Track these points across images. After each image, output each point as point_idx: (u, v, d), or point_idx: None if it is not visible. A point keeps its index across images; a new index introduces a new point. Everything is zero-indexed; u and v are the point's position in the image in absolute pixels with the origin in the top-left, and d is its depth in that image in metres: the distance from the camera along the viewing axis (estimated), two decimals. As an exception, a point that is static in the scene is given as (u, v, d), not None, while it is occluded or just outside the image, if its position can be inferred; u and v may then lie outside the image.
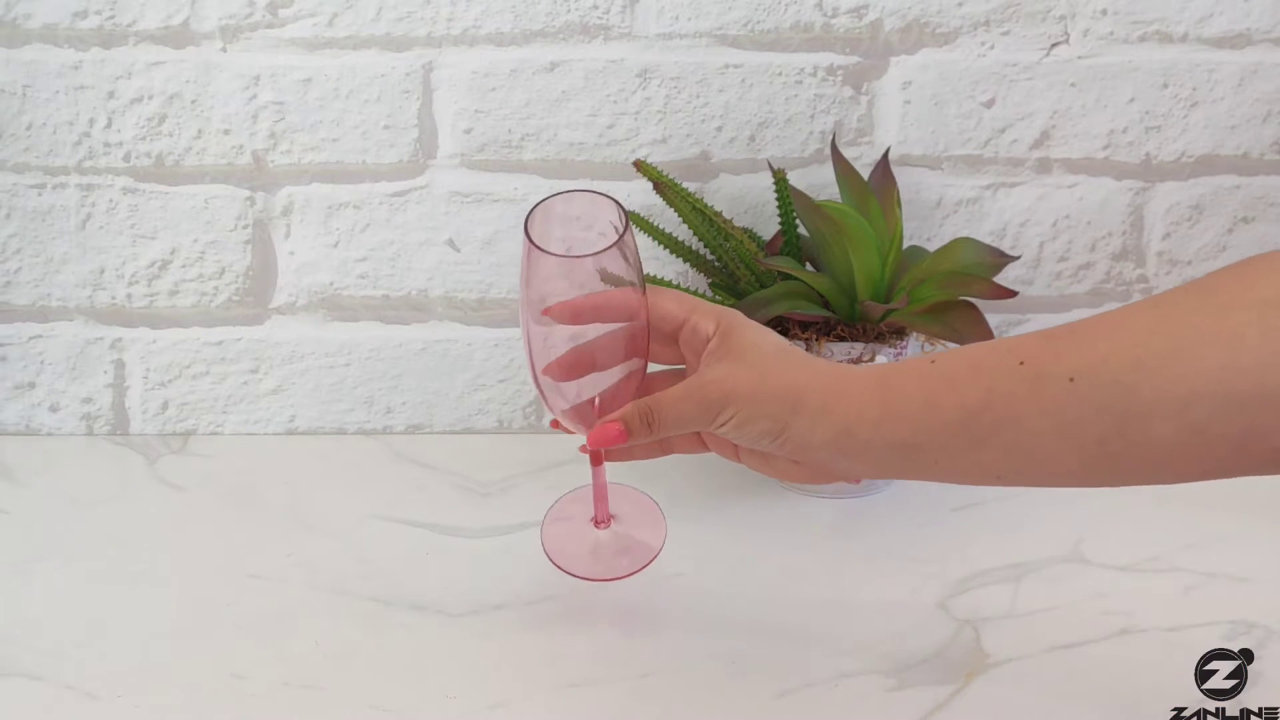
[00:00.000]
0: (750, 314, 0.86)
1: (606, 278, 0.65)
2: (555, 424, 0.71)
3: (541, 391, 0.68)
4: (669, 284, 0.92)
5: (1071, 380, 0.55)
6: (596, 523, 0.73)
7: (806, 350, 0.87)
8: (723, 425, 0.63)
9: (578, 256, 0.64)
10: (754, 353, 0.64)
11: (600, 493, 0.72)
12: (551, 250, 0.64)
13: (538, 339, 0.66)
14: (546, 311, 0.65)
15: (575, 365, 0.66)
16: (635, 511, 0.74)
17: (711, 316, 0.66)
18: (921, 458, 0.59)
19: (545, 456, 0.98)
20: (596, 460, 0.71)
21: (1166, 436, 0.53)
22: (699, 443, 0.68)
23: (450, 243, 1.00)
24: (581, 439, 0.69)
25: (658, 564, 0.79)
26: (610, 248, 0.63)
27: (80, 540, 0.84)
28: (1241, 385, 0.51)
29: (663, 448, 0.70)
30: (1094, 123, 0.98)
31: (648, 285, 0.67)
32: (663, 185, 0.91)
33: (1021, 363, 0.56)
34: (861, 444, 0.60)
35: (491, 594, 0.76)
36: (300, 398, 1.03)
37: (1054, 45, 0.97)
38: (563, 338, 0.66)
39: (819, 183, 0.98)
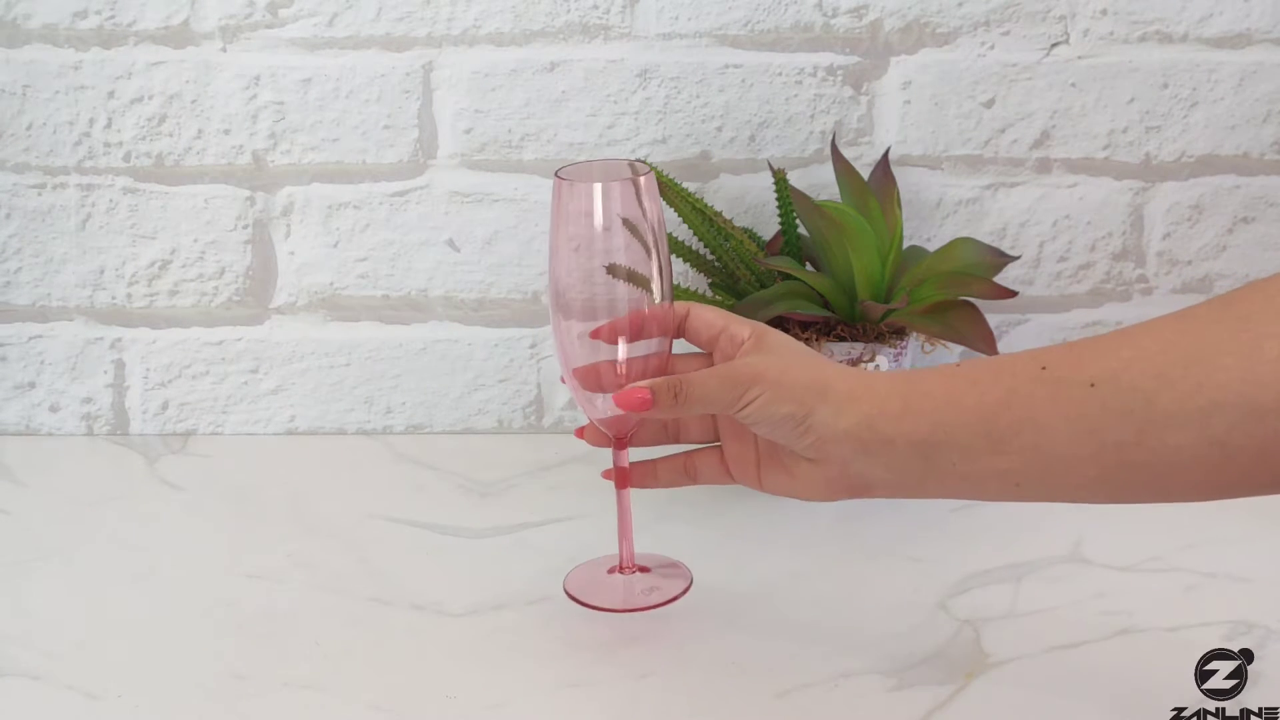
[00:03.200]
0: (750, 314, 0.86)
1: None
2: (580, 433, 0.73)
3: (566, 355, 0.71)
4: (699, 296, 0.92)
5: (1092, 385, 0.55)
6: (621, 566, 0.74)
7: (806, 350, 0.88)
8: (748, 405, 0.63)
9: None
10: (785, 348, 0.66)
11: (625, 525, 0.73)
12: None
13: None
14: (595, 334, 0.69)
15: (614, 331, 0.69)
16: (658, 565, 0.76)
17: (748, 325, 0.69)
18: (940, 458, 0.59)
19: (545, 456, 0.98)
20: (622, 482, 0.72)
21: (1186, 447, 0.53)
22: (723, 470, 0.70)
23: (450, 243, 1.00)
24: (598, 482, 0.73)
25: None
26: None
27: (80, 540, 0.84)
28: (1261, 397, 0.51)
29: (688, 473, 0.71)
30: (1094, 123, 0.98)
31: (689, 303, 0.72)
32: (663, 185, 0.91)
33: (1044, 368, 0.57)
34: (883, 439, 0.60)
35: (491, 594, 0.76)
36: (300, 398, 1.03)
37: (1054, 45, 0.97)
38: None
39: (819, 183, 0.98)
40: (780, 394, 0.62)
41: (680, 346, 0.72)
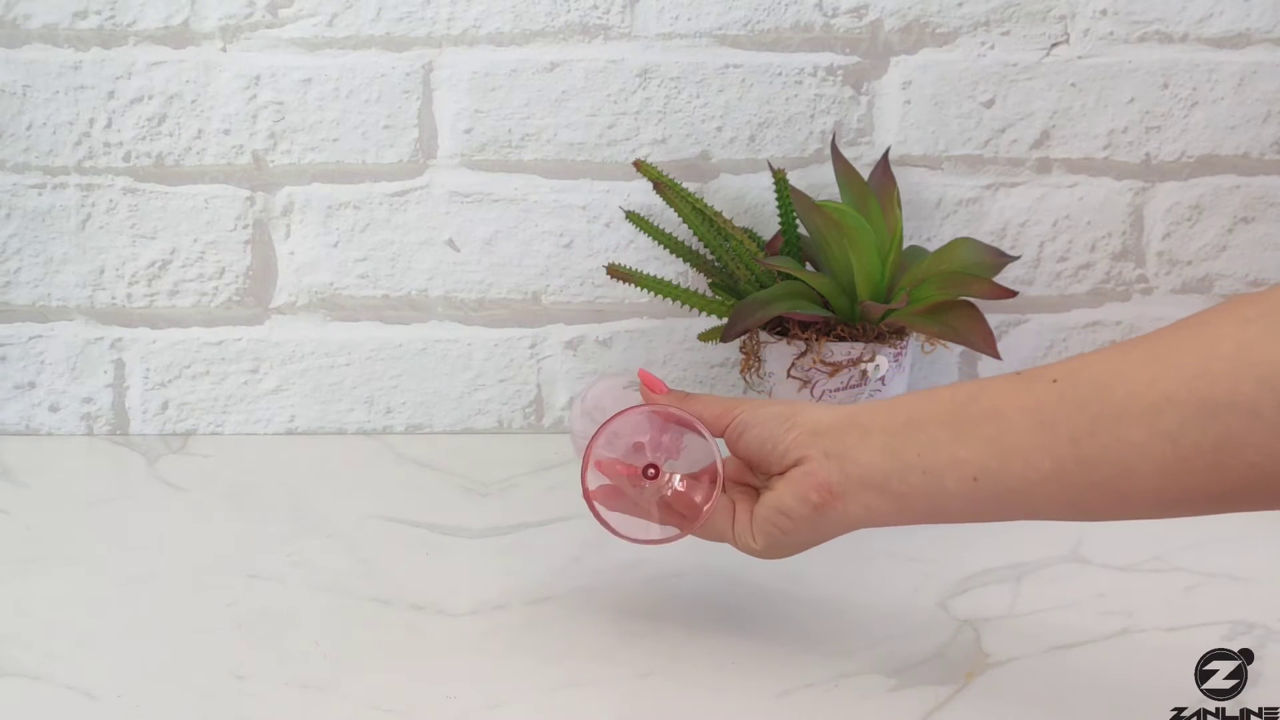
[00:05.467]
0: (750, 314, 0.86)
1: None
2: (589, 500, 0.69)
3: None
4: (699, 297, 0.92)
5: (1055, 381, 0.57)
6: (644, 472, 0.67)
7: (806, 349, 0.88)
8: (740, 413, 0.67)
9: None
10: None
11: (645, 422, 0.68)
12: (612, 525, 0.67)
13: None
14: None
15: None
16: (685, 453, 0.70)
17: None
18: (907, 451, 0.61)
19: (545, 456, 0.98)
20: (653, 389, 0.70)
21: (1139, 441, 0.54)
22: (727, 522, 0.69)
23: (450, 243, 1.00)
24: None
25: (658, 563, 0.79)
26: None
27: (80, 540, 0.84)
28: (1213, 393, 0.52)
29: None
30: (1094, 123, 0.99)
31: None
32: (663, 185, 0.91)
33: (1019, 374, 0.60)
34: (862, 431, 0.62)
35: (491, 594, 0.76)
36: (300, 398, 1.03)
37: (1054, 45, 0.97)
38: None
39: (819, 183, 0.98)
40: (769, 402, 0.68)
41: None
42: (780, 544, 0.66)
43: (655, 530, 0.67)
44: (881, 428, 0.62)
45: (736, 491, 0.69)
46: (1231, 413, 0.51)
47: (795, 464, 0.64)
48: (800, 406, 0.66)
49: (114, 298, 1.01)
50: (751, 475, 0.69)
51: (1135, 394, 0.54)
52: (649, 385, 0.71)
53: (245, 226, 1.00)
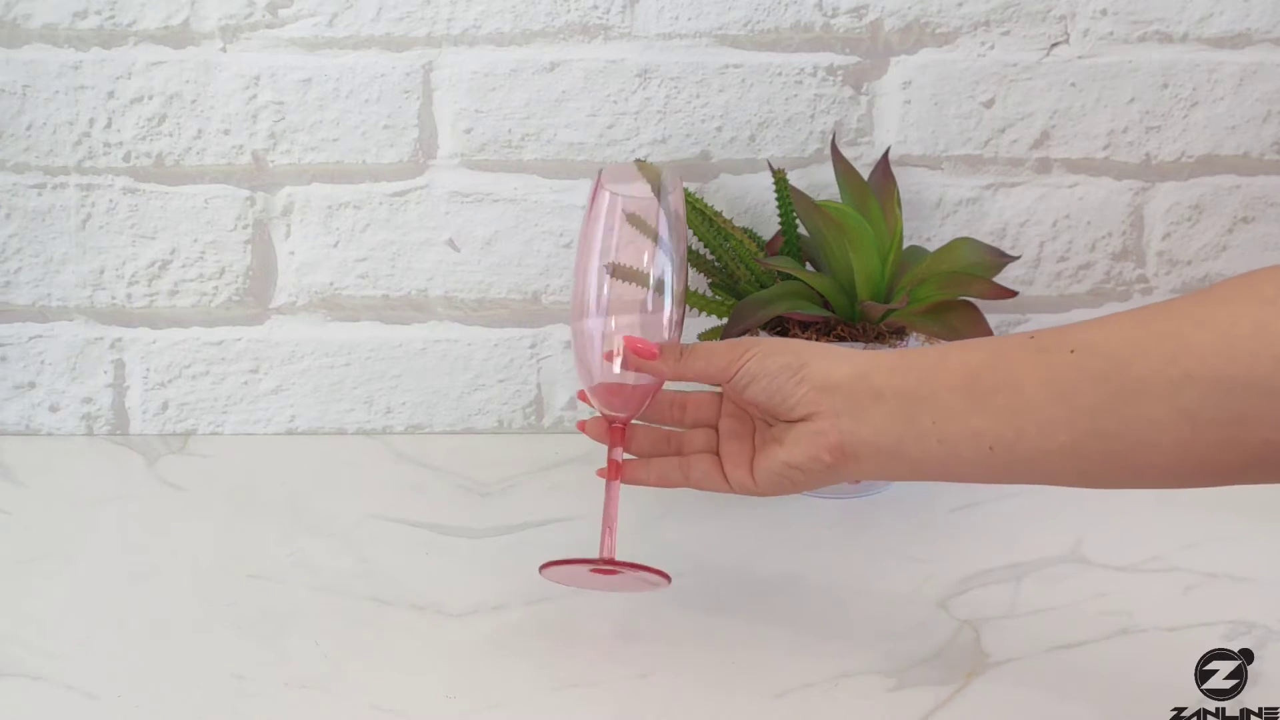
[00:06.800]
0: (750, 314, 0.86)
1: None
2: (582, 426, 0.73)
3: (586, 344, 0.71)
4: (699, 296, 0.92)
5: (1072, 352, 0.57)
6: (600, 559, 0.70)
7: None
8: (746, 362, 0.66)
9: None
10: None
11: (611, 516, 0.70)
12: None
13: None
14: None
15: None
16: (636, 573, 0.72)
17: None
18: (921, 416, 0.60)
19: (545, 456, 0.98)
20: (614, 474, 0.71)
21: (1157, 417, 0.54)
22: (717, 472, 0.69)
23: (450, 243, 1.00)
24: (598, 481, 0.72)
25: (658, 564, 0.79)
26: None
27: (80, 540, 0.84)
28: (1231, 371, 0.52)
29: (681, 469, 0.70)
30: (1094, 123, 0.99)
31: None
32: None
33: (1032, 338, 0.60)
34: (873, 391, 0.62)
35: (491, 594, 0.76)
36: (300, 398, 1.03)
37: (1054, 45, 0.97)
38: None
39: (819, 183, 0.98)
40: (777, 348, 0.66)
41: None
42: (787, 490, 0.66)
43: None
44: (894, 390, 0.62)
45: (729, 431, 0.69)
46: (1248, 391, 0.52)
47: (804, 419, 0.64)
48: (809, 355, 0.65)
49: (114, 298, 1.01)
50: (752, 411, 0.69)
51: (1154, 370, 0.54)
52: (639, 353, 0.68)
53: (245, 226, 1.00)
